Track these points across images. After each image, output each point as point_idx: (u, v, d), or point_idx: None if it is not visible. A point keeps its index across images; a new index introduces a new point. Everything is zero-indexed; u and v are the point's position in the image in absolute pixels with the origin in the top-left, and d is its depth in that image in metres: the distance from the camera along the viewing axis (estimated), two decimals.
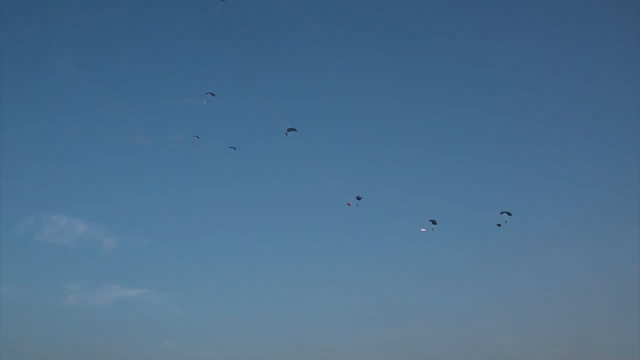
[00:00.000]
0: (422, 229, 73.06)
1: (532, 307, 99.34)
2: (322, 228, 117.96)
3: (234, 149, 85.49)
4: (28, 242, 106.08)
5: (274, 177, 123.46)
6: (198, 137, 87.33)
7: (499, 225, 70.16)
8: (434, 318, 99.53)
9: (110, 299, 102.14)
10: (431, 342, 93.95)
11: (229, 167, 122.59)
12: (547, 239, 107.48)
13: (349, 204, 77.54)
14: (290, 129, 78.94)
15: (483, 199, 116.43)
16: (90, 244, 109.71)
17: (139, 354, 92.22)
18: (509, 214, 69.35)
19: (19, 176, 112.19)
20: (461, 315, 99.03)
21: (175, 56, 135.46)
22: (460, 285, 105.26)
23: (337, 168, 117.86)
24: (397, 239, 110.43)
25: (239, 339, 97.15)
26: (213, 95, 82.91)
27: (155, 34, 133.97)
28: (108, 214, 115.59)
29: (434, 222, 72.17)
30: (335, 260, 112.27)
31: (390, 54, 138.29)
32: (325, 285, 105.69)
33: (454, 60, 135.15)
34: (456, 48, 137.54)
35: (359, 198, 76.74)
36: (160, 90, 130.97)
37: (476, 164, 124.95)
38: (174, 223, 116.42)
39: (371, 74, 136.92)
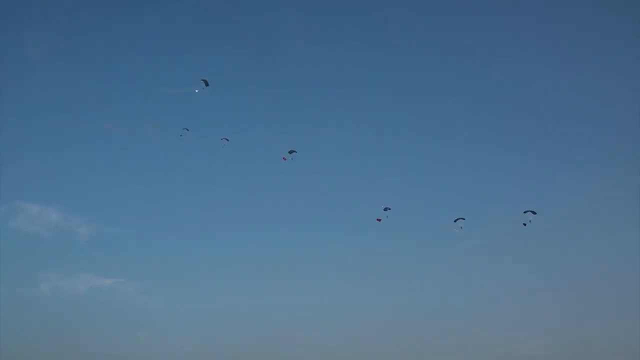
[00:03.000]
0: (456, 230, 71.96)
1: (532, 306, 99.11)
2: (300, 220, 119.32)
3: (227, 140, 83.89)
4: (1, 230, 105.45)
5: (253, 168, 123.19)
6: (187, 130, 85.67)
7: (525, 224, 69.01)
8: (434, 317, 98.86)
9: (84, 288, 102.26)
10: (431, 341, 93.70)
11: (206, 159, 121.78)
12: (548, 236, 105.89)
13: (378, 219, 76.61)
14: (290, 151, 78.82)
15: (482, 195, 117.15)
16: (63, 233, 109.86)
17: (112, 343, 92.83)
18: (534, 212, 68.03)
19: None
20: (459, 312, 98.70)
21: (160, 47, 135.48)
22: (458, 283, 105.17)
23: (325, 165, 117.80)
24: (389, 233, 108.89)
25: (213, 329, 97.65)
26: (207, 84, 79.86)
27: (140, 24, 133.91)
28: (81, 203, 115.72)
29: (462, 219, 71.39)
30: (313, 253, 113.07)
31: (390, 51, 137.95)
32: (301, 278, 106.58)
33: (458, 58, 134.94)
34: (460, 45, 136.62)
35: (386, 209, 75.75)
36: (137, 80, 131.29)
37: (475, 159, 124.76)
38: (148, 213, 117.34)
39: (370, 69, 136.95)
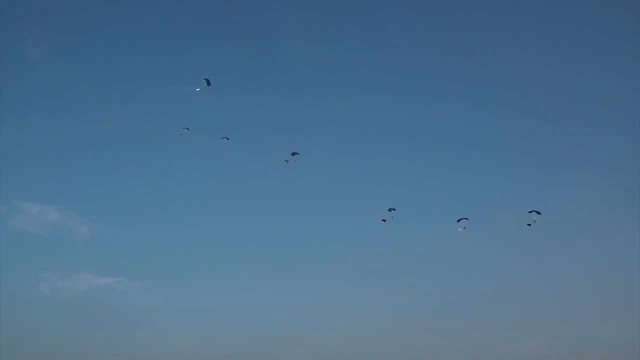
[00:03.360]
0: (460, 229, 71.66)
1: (532, 306, 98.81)
2: (300, 220, 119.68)
3: (227, 139, 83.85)
4: (1, 230, 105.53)
5: (253, 168, 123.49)
6: (188, 129, 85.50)
7: (529, 224, 68.76)
8: (434, 317, 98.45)
9: (84, 287, 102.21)
10: (431, 341, 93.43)
11: (206, 158, 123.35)
12: (548, 236, 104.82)
13: (383, 220, 76.58)
14: (293, 153, 79.09)
15: (481, 195, 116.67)
16: (63, 233, 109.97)
17: (112, 343, 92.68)
18: (538, 212, 67.61)
19: None
20: (460, 312, 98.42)
21: (160, 47, 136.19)
22: (459, 283, 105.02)
23: (325, 165, 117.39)
24: (389, 234, 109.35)
25: (213, 329, 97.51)
26: (209, 83, 79.04)
27: (140, 24, 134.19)
28: (81, 203, 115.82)
29: (465, 219, 71.05)
30: (313, 253, 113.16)
31: (390, 51, 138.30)
32: (301, 278, 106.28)
33: (458, 58, 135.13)
34: (460, 45, 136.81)
35: (391, 210, 75.47)
36: (137, 80, 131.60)
37: (475, 159, 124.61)
38: (148, 213, 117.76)
39: (370, 69, 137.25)
